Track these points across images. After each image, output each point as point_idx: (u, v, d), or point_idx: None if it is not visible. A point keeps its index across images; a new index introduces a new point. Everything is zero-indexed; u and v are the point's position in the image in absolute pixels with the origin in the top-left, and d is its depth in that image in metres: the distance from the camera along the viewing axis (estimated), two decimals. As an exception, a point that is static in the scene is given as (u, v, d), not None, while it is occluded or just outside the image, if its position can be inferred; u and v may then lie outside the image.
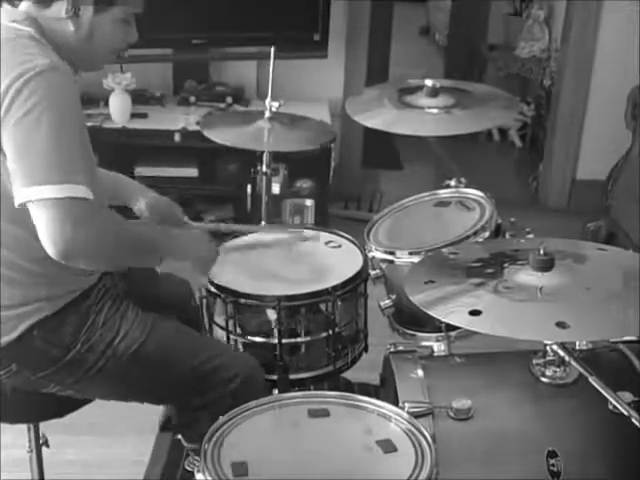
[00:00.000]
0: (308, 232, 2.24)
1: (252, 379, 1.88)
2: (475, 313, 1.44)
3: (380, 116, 2.26)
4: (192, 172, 3.86)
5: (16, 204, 1.60)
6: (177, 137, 3.80)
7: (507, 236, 2.10)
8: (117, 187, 2.07)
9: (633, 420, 1.47)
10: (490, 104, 2.30)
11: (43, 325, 1.78)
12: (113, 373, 1.82)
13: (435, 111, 2.23)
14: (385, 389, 1.95)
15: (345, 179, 4.47)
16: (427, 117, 2.24)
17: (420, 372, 1.79)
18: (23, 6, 1.75)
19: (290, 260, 2.14)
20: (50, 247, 1.59)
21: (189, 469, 1.58)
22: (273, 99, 2.47)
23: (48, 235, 1.58)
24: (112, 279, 1.94)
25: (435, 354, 2.00)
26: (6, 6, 1.75)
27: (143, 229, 1.89)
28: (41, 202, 1.58)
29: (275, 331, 1.97)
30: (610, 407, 1.57)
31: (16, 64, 1.61)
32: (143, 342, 1.83)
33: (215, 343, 2.04)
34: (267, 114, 2.46)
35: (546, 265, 1.54)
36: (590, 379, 1.54)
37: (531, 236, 1.98)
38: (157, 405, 2.11)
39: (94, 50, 1.78)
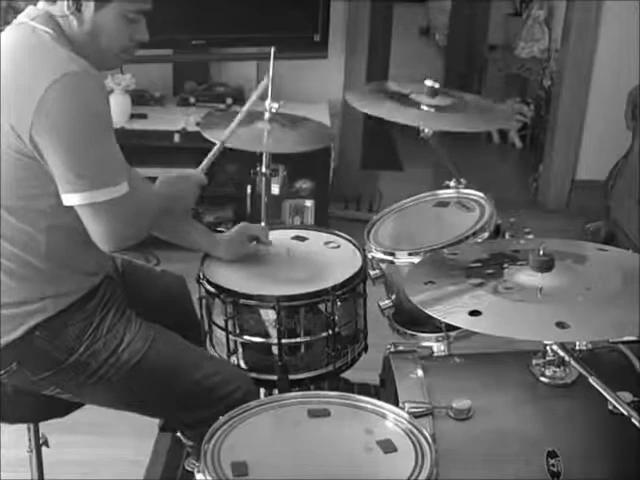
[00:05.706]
0: None
1: (250, 394, 1.87)
2: (475, 313, 1.44)
3: (380, 107, 2.25)
4: (192, 172, 3.85)
5: (65, 203, 1.68)
6: (177, 138, 3.80)
7: (507, 236, 2.10)
8: None
9: (633, 420, 1.47)
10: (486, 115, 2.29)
11: (46, 326, 1.78)
12: (114, 382, 1.82)
13: (433, 110, 2.23)
14: (385, 389, 1.95)
15: (345, 180, 4.47)
16: (426, 112, 2.23)
17: (420, 372, 1.79)
18: (40, 5, 1.77)
19: (289, 260, 2.14)
20: (106, 245, 1.73)
21: (189, 469, 1.58)
22: (273, 100, 2.47)
23: (107, 234, 1.71)
24: (113, 282, 1.94)
25: (435, 354, 2.00)
26: (30, 6, 1.77)
27: (157, 190, 2.01)
28: (94, 205, 1.67)
29: (275, 331, 1.97)
30: (610, 407, 1.57)
31: (49, 69, 1.63)
32: (145, 353, 1.83)
33: (215, 358, 2.03)
34: (267, 115, 2.46)
35: (546, 265, 1.54)
36: (590, 379, 1.54)
37: (531, 236, 1.98)
38: (156, 418, 2.11)
39: (100, 47, 1.77)
